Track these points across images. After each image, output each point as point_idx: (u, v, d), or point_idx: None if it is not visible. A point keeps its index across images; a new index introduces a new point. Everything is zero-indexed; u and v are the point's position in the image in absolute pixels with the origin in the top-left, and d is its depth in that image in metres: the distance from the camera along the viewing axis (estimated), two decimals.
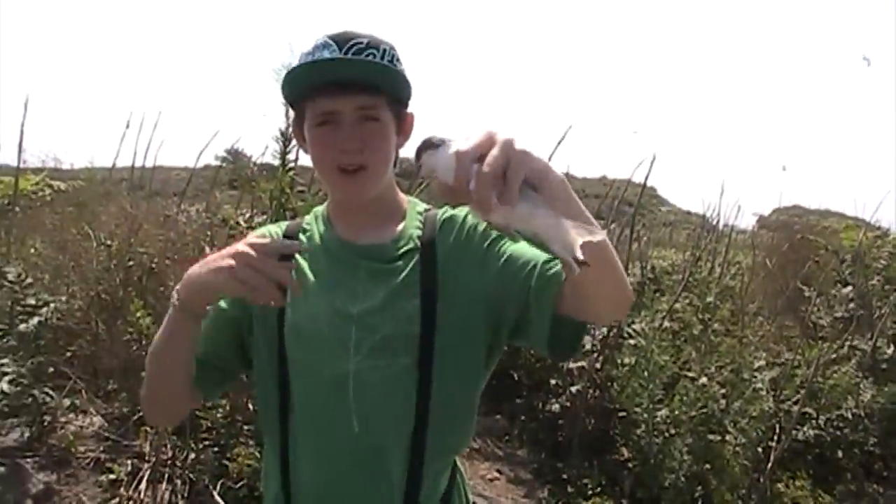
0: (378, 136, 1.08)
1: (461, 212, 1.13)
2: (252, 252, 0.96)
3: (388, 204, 1.17)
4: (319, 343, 1.08)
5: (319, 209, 1.23)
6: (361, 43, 1.06)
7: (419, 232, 1.14)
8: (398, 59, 1.09)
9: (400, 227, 1.15)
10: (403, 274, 1.10)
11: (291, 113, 1.19)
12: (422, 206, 1.20)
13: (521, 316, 1.05)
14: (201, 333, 1.10)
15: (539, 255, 1.02)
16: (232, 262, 0.96)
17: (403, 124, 1.14)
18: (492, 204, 0.73)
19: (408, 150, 1.20)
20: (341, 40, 1.06)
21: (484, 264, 1.08)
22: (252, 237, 1.04)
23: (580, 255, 0.71)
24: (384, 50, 1.07)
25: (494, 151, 0.74)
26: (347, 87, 1.05)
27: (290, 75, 1.07)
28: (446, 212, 1.15)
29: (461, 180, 0.75)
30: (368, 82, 1.06)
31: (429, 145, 0.80)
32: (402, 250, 1.12)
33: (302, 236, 1.18)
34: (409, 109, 1.15)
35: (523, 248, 1.05)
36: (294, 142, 2.87)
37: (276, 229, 1.21)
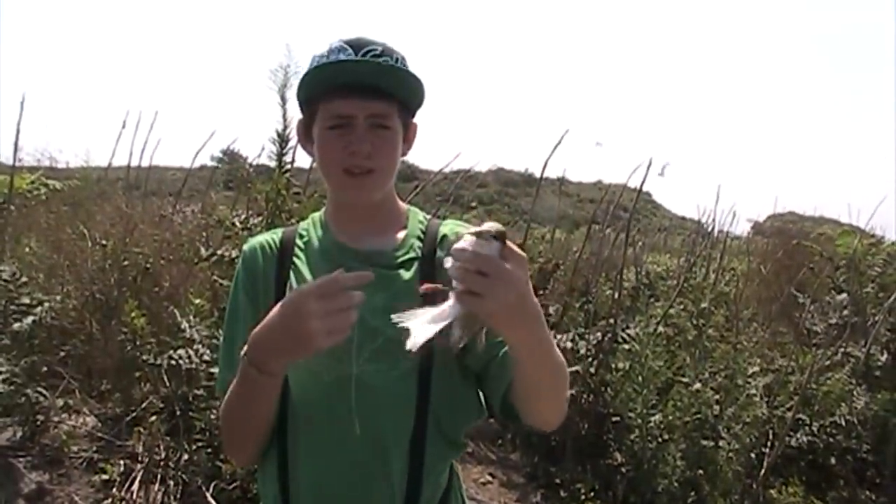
0: (388, 143, 1.10)
1: (461, 228, 1.13)
2: (325, 304, 0.91)
3: (388, 211, 1.18)
4: None
5: (316, 215, 1.23)
6: (376, 49, 1.07)
7: (420, 242, 1.15)
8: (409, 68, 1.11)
9: (401, 234, 1.16)
10: (404, 280, 1.11)
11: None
12: (421, 216, 1.22)
13: (481, 373, 1.11)
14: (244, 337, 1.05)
15: None
16: (312, 326, 0.91)
17: (408, 133, 1.16)
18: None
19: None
20: (357, 45, 1.07)
21: None
22: (314, 284, 0.96)
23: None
24: (397, 58, 1.09)
25: (486, 283, 0.81)
26: (364, 91, 1.06)
27: (308, 74, 1.09)
28: (447, 225, 1.17)
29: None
30: (385, 86, 1.07)
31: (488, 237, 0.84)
32: (403, 258, 1.13)
33: (299, 241, 1.18)
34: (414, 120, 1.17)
35: None
36: (290, 143, 2.87)
37: (273, 236, 1.21)
